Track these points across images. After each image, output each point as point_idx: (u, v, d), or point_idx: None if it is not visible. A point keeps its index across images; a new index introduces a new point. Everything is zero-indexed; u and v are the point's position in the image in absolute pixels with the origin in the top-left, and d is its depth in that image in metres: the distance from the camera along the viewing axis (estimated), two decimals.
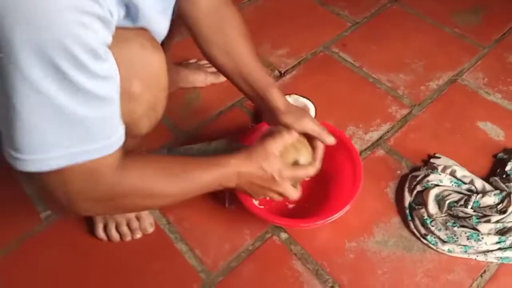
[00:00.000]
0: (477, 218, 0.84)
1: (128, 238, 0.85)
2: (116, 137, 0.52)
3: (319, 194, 0.88)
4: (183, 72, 1.09)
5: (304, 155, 0.74)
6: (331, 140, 0.76)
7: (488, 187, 0.89)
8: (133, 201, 0.58)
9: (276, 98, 0.75)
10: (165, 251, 0.85)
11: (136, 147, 0.73)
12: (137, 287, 0.80)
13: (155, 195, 0.60)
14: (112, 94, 0.49)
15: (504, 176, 0.91)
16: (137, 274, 0.82)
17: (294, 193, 0.72)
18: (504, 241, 0.82)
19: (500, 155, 0.97)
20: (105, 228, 0.85)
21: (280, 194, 0.71)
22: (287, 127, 0.74)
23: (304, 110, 0.79)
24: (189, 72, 1.10)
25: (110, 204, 0.57)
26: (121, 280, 0.81)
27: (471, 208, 0.85)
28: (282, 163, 0.69)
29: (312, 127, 0.75)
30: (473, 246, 0.82)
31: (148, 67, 0.57)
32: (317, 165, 0.75)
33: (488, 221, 0.83)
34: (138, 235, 0.86)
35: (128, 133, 0.54)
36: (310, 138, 0.76)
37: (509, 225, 0.83)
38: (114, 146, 0.52)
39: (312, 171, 0.73)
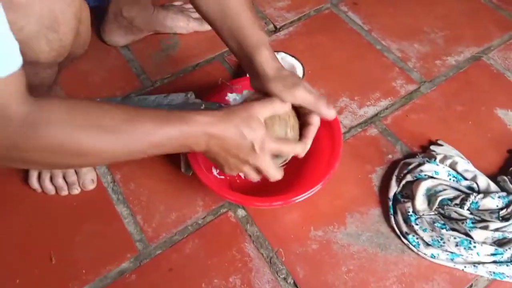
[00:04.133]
0: (473, 223, 0.70)
1: (64, 192, 0.75)
2: (7, 51, 0.39)
3: (289, 170, 0.75)
4: (161, 14, 0.95)
5: (294, 131, 0.61)
6: (330, 113, 0.60)
7: (493, 187, 0.74)
8: (47, 157, 0.44)
9: (265, 60, 0.59)
10: (103, 212, 0.75)
11: (47, 85, 0.61)
12: (63, 247, 0.71)
13: (80, 152, 0.45)
14: None
15: None
16: (66, 233, 0.72)
17: (276, 173, 0.59)
18: (502, 253, 0.68)
19: None
20: (39, 177, 0.75)
21: (259, 172, 0.58)
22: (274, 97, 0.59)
23: (297, 77, 0.63)
24: (168, 15, 0.96)
25: (12, 155, 0.43)
26: (47, 237, 0.72)
27: (468, 209, 0.70)
28: (267, 132, 0.55)
29: (306, 97, 0.59)
30: (462, 255, 0.69)
31: None
32: (308, 144, 0.62)
33: (485, 228, 0.69)
34: (76, 190, 0.75)
35: (24, 58, 0.42)
36: (302, 113, 0.63)
37: (510, 235, 0.68)
38: (8, 63, 0.39)
39: (300, 149, 0.60)
